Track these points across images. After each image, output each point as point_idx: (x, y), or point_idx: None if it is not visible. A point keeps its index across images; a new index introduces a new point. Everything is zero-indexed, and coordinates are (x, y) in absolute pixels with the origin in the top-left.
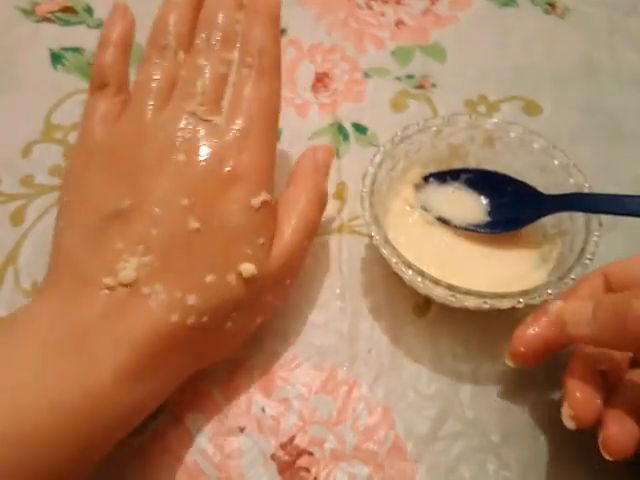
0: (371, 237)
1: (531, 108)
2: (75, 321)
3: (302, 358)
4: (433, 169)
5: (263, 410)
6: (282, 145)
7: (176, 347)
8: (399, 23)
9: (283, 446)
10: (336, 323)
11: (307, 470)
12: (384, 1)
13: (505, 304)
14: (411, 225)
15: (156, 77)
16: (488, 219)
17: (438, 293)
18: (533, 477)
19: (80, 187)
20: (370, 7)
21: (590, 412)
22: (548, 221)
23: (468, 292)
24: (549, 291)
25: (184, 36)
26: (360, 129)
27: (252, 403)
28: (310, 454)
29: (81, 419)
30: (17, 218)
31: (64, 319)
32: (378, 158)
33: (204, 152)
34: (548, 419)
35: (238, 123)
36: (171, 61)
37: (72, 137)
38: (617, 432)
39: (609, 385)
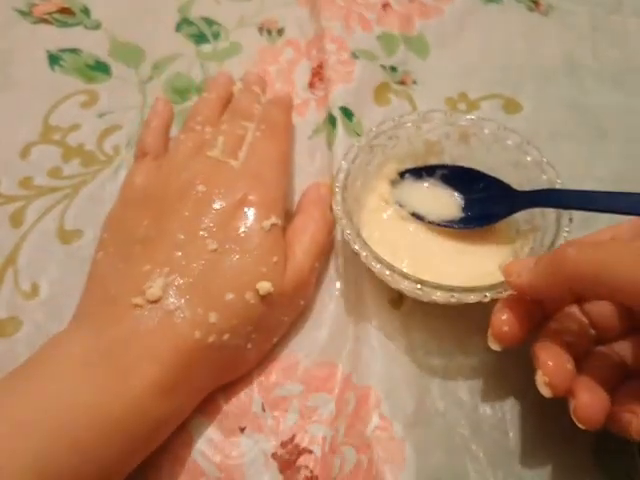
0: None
1: (511, 106)
2: (108, 339)
3: (301, 357)
4: (409, 165)
5: (263, 409)
6: None
7: (198, 363)
8: (386, 5)
9: (283, 445)
10: (336, 321)
11: (308, 468)
12: None
13: (472, 298)
14: (386, 220)
15: (185, 142)
16: (462, 215)
17: (406, 286)
18: (502, 473)
19: (117, 224)
20: None
21: (563, 378)
22: (521, 217)
23: (436, 286)
24: None
25: (213, 118)
26: (347, 114)
27: (252, 403)
28: (310, 452)
29: (115, 433)
30: (16, 219)
31: (98, 338)
32: (352, 153)
33: (220, 183)
34: (517, 415)
35: (251, 166)
36: (200, 133)
37: (70, 138)
38: (588, 400)
39: (576, 358)
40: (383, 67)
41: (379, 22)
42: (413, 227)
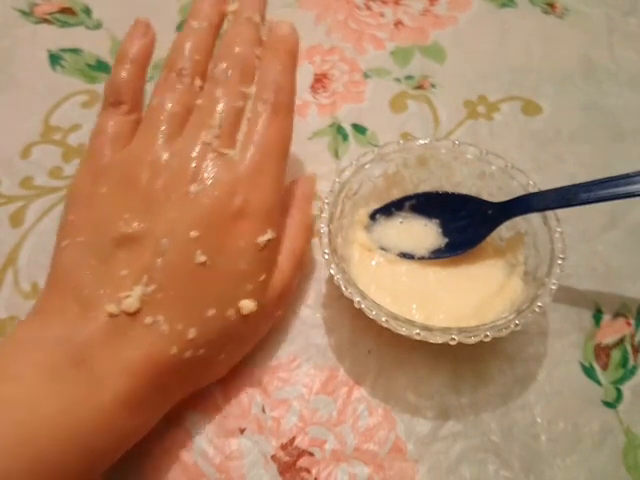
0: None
1: (530, 108)
2: (79, 346)
3: (302, 358)
4: (375, 204)
5: (263, 411)
6: None
7: (170, 377)
8: (398, 24)
9: (283, 447)
10: (336, 323)
11: (308, 471)
12: (383, 2)
13: (473, 340)
14: (376, 269)
15: (171, 102)
16: (446, 240)
17: (404, 332)
18: (533, 477)
19: (87, 206)
20: (369, 8)
21: None
22: (502, 225)
23: (434, 329)
24: (517, 322)
25: (202, 63)
26: (359, 129)
27: (252, 404)
28: (310, 455)
29: (79, 448)
30: (17, 219)
31: (67, 345)
32: (326, 213)
33: (216, 185)
34: (548, 418)
35: (251, 158)
36: (187, 87)
37: (71, 139)
38: None
39: None
40: (397, 80)
41: (392, 39)
42: (404, 268)
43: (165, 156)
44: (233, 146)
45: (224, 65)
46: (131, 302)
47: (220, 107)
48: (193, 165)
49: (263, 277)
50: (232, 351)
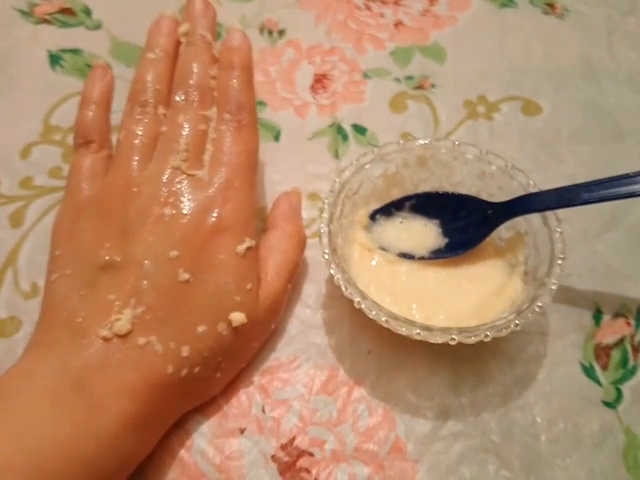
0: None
1: (530, 108)
2: (77, 373)
3: (302, 358)
4: (375, 205)
5: (263, 411)
6: (282, 145)
7: (170, 396)
8: (398, 24)
9: (283, 447)
10: (336, 323)
11: (308, 471)
12: (383, 2)
13: (473, 340)
14: (376, 269)
15: (138, 133)
16: (446, 240)
17: (404, 332)
18: (533, 477)
19: (70, 240)
20: (369, 8)
21: None
22: (502, 226)
23: (433, 329)
24: (517, 322)
25: (163, 92)
26: (359, 130)
27: (252, 404)
28: (310, 455)
29: (88, 472)
30: (17, 220)
31: (66, 371)
32: (326, 213)
33: (189, 204)
34: (548, 418)
35: (220, 176)
36: (151, 117)
37: (71, 139)
38: None
39: None
40: (397, 80)
41: (392, 39)
42: (404, 268)
43: (137, 183)
44: (201, 167)
45: (182, 93)
46: (122, 325)
47: (184, 132)
48: (164, 189)
49: (250, 286)
50: (227, 368)
